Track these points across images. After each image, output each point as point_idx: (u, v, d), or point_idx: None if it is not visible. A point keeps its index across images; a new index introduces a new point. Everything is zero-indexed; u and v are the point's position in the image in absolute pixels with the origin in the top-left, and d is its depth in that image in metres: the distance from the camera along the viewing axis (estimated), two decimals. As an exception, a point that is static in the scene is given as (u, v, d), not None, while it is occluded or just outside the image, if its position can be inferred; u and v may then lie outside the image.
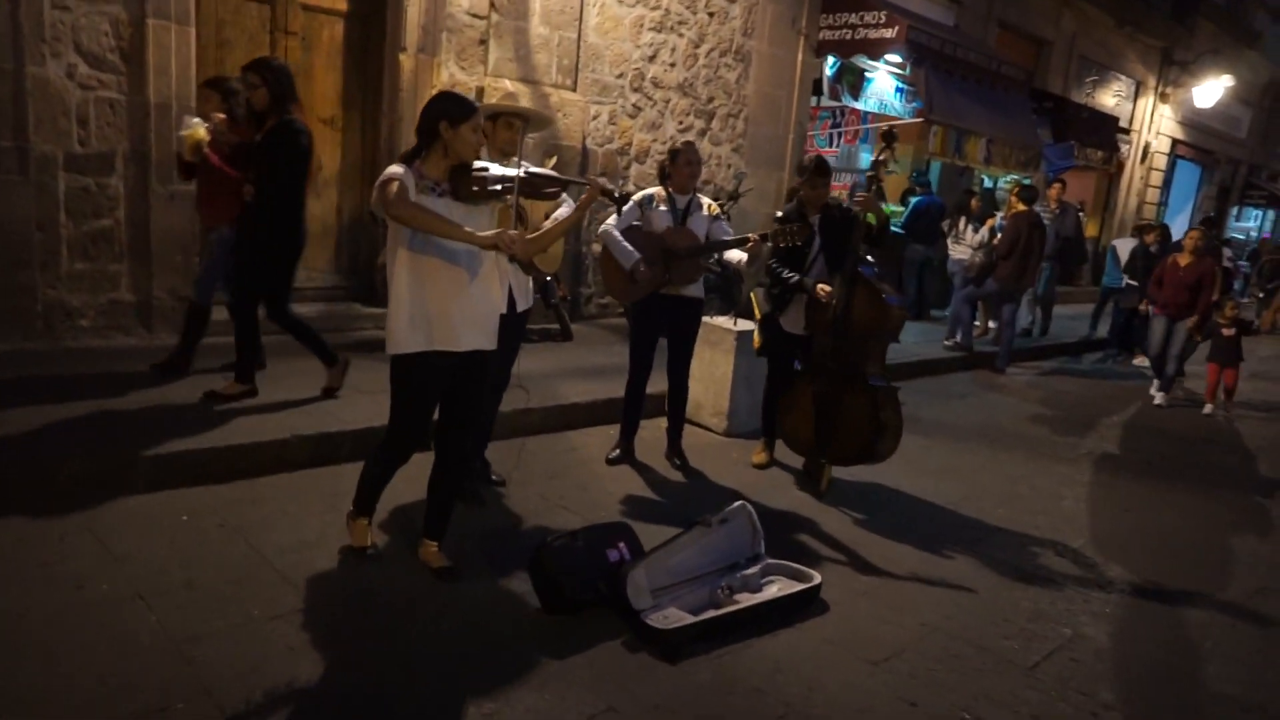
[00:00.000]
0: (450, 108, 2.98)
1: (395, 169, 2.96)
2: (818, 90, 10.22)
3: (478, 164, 3.07)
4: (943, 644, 3.20)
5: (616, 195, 3.70)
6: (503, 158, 3.99)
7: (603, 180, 3.70)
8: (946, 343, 9.10)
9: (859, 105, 10.95)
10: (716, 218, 4.64)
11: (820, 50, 9.90)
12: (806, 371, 4.66)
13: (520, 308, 4.08)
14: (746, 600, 3.25)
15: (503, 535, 3.73)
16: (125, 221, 5.45)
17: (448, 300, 3.02)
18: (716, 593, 3.27)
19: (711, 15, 8.59)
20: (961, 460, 5.58)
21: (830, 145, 13.16)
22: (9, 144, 4.99)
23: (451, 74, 6.79)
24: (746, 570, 3.44)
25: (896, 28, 9.26)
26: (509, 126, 3.95)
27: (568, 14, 7.38)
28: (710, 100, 8.83)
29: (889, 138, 4.60)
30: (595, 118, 7.88)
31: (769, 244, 4.41)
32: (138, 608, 2.86)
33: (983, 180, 13.76)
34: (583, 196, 3.41)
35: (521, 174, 3.06)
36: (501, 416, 5.00)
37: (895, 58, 9.91)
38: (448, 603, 3.12)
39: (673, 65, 8.39)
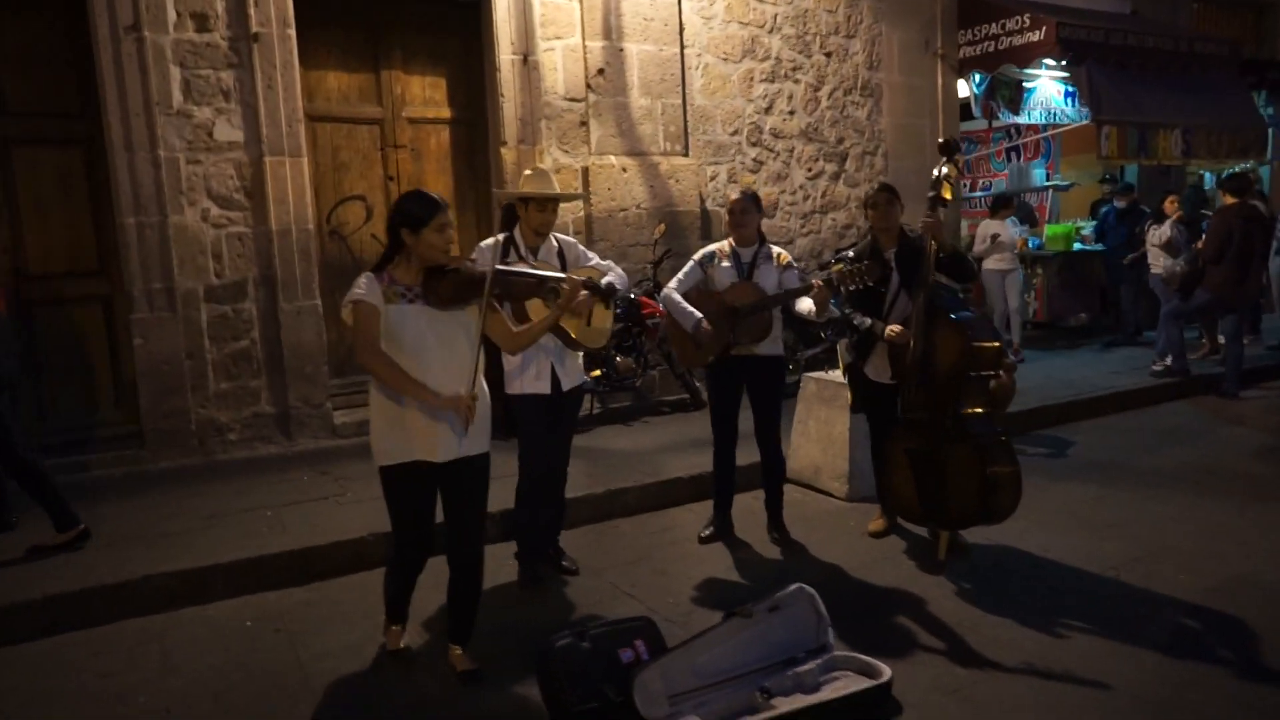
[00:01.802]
0: (410, 212, 2.89)
1: (360, 287, 2.89)
2: (966, 114, 9.45)
3: (453, 264, 2.96)
4: (1036, 759, 2.54)
5: (601, 287, 3.47)
6: (536, 238, 3.92)
7: (583, 276, 3.46)
8: (1155, 368, 7.82)
9: (1020, 120, 9.99)
10: (788, 267, 4.26)
11: (963, 69, 9.18)
12: (898, 426, 4.09)
13: (565, 386, 3.92)
14: (787, 705, 2.78)
15: (547, 632, 3.48)
16: (260, 340, 5.93)
17: (423, 411, 2.89)
18: (755, 695, 2.82)
19: (829, 55, 8.22)
20: (1143, 512, 4.63)
21: (966, 169, 12.12)
22: (159, 286, 5.61)
23: (555, 158, 6.91)
24: (803, 666, 2.96)
25: (1044, 29, 8.38)
26: (542, 208, 3.88)
27: (668, 82, 7.32)
28: (840, 141, 8.38)
29: (948, 150, 4.04)
30: (713, 179, 7.71)
31: (836, 288, 3.97)
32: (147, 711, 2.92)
33: (1202, 176, 12.04)
34: (559, 300, 3.20)
35: (490, 273, 2.91)
36: (593, 499, 4.87)
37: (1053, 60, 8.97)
38: (459, 709, 2.93)
39: (792, 113, 8.07)
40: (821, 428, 5.26)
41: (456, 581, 3.12)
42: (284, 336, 5.96)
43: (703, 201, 7.58)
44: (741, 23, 7.71)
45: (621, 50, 7.08)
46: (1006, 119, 9.95)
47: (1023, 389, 7.22)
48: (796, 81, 8.08)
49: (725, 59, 7.68)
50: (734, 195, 4.32)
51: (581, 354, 4.08)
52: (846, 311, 4.25)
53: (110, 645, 3.48)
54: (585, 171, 7.00)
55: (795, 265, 4.28)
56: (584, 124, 7.01)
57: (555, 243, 4.00)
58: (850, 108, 8.42)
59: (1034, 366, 8.21)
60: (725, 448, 4.42)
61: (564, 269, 3.94)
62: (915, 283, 3.98)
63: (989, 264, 8.38)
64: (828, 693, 2.85)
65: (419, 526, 3.08)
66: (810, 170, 8.24)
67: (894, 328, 4.00)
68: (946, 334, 3.85)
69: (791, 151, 8.11)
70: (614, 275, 4.01)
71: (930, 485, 3.91)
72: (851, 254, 4.29)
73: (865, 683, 2.89)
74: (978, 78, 9.43)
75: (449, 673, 3.14)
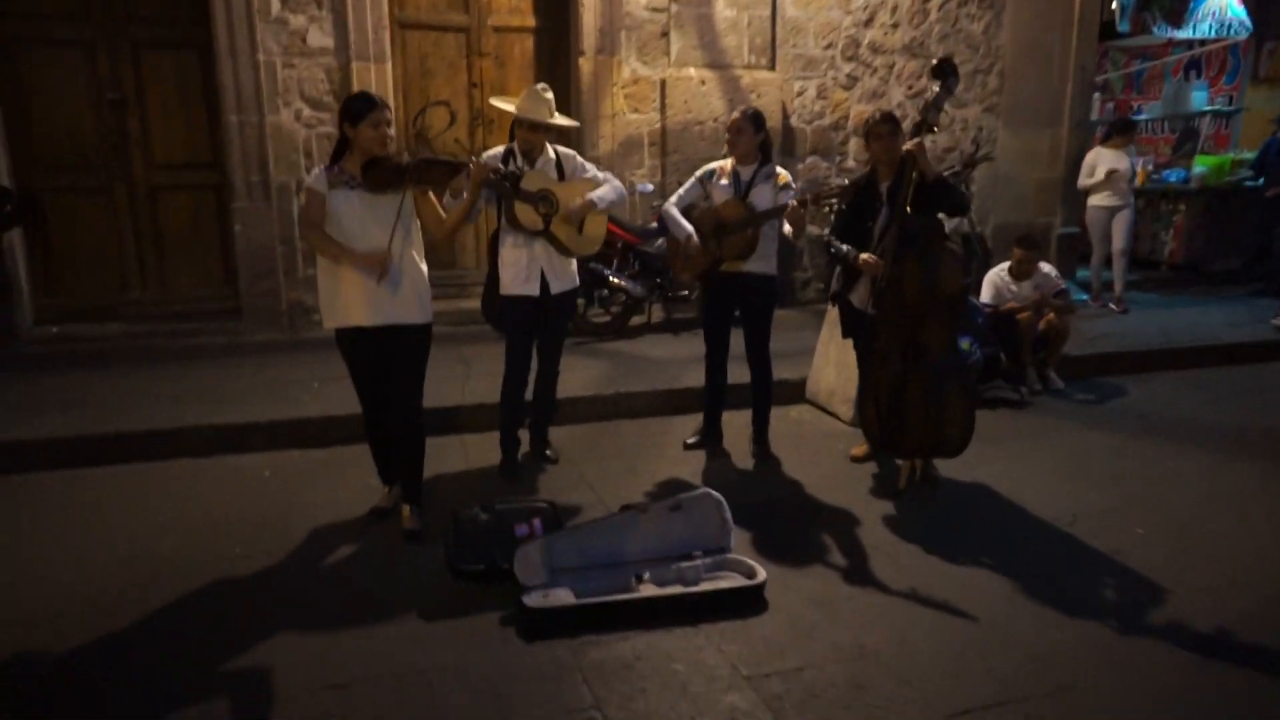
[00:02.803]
0: (349, 109, 3.27)
1: (311, 177, 3.36)
2: (1108, 34, 8.59)
3: (386, 156, 3.29)
4: (855, 670, 2.67)
5: (504, 173, 3.65)
6: (530, 163, 4.13)
7: (486, 160, 3.67)
8: (1275, 321, 7.10)
9: (1181, 34, 8.96)
10: (785, 187, 4.26)
11: (1108, -23, 8.31)
12: (872, 354, 4.08)
13: (554, 289, 4.18)
14: (652, 591, 3.03)
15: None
16: (344, 233, 6.54)
17: (354, 280, 3.29)
18: (630, 579, 3.09)
19: (944, -38, 7.69)
20: (1153, 467, 4.40)
21: (1136, 90, 10.93)
22: (257, 179, 6.31)
23: (633, 70, 7.01)
24: (691, 562, 3.19)
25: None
26: (532, 129, 4.07)
27: (758, -9, 7.16)
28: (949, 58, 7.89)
29: (941, 71, 3.84)
30: (800, 94, 7.54)
31: (811, 208, 3.97)
32: (158, 529, 3.56)
33: None
34: (476, 178, 3.44)
35: (412, 162, 3.21)
36: (601, 399, 5.17)
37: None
38: (389, 557, 3.38)
39: (895, 26, 7.68)
40: (840, 352, 5.25)
41: (396, 441, 3.57)
42: (365, 230, 6.53)
43: (786, 117, 7.45)
44: (844, -73, 7.36)
45: (708, -42, 6.98)
46: (1162, 33, 8.96)
47: (1109, 334, 6.83)
48: (903, -9, 7.65)
49: (825, -33, 7.38)
50: (734, 115, 4.32)
51: (575, 260, 4.32)
52: (829, 239, 4.21)
53: (157, 477, 4.20)
54: (662, 84, 7.06)
55: (793, 186, 4.27)
56: (665, 35, 7.04)
57: (554, 154, 4.20)
58: (964, 20, 7.89)
59: (1144, 313, 7.63)
60: (715, 360, 4.57)
61: (561, 179, 4.18)
62: (891, 211, 3.91)
63: (1094, 199, 7.68)
64: (702, 587, 3.07)
65: (365, 388, 3.53)
66: (911, 88, 7.86)
67: (866, 256, 3.97)
68: (911, 266, 3.79)
69: (891, 67, 7.76)
70: (608, 187, 4.20)
71: (889, 413, 3.92)
72: (848, 181, 4.21)
73: (740, 582, 3.09)
74: (1126, -14, 8.52)
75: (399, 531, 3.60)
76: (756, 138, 4.25)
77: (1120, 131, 7.73)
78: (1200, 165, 9.06)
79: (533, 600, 2.92)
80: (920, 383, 3.81)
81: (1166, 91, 9.78)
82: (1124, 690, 2.58)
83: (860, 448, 4.52)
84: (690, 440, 4.68)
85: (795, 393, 5.53)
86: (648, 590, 3.03)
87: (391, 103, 6.44)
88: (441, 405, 4.73)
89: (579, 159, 4.28)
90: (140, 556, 3.40)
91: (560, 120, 4.15)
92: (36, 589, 3.15)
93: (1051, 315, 5.59)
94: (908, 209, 3.88)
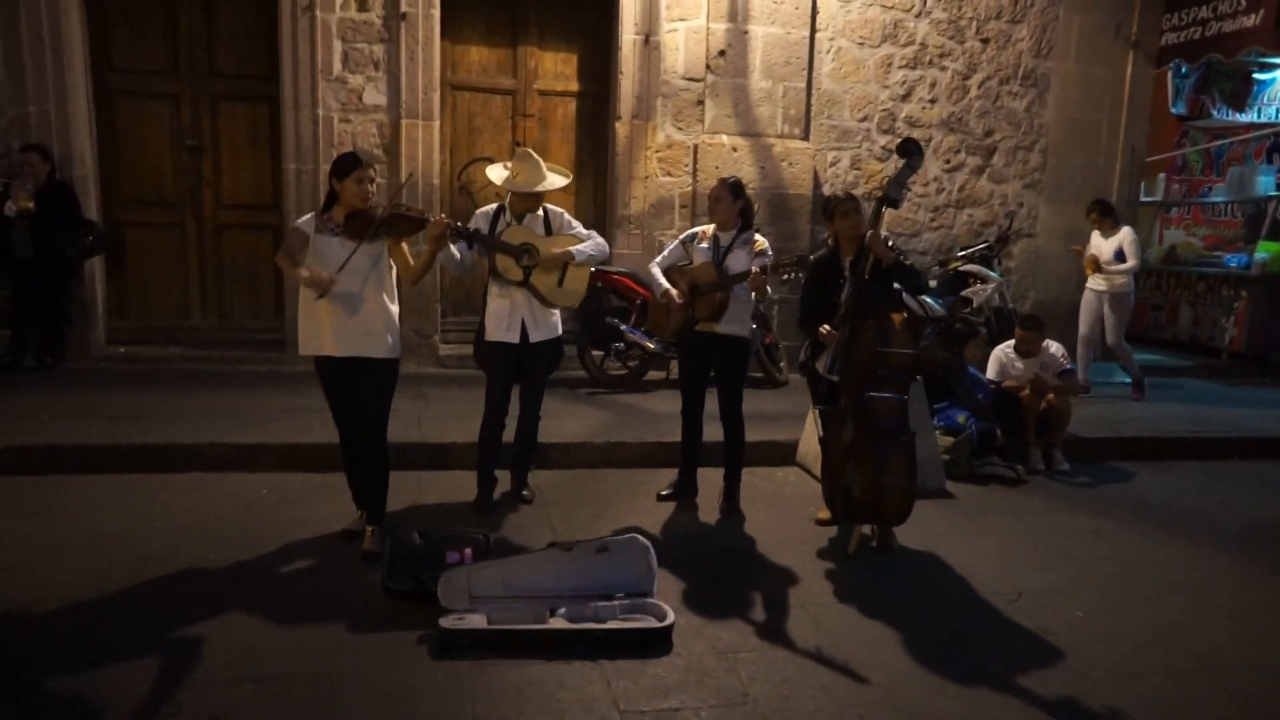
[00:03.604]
0: (336, 166, 3.68)
1: (303, 219, 3.80)
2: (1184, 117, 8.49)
3: (366, 209, 3.66)
4: (728, 716, 2.76)
5: (461, 229, 3.92)
6: (517, 220, 4.44)
7: (444, 217, 3.90)
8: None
9: (1245, 118, 8.79)
10: (761, 254, 4.45)
11: (1162, 58, 8.28)
12: (832, 419, 4.19)
13: (534, 339, 4.45)
14: (562, 624, 3.19)
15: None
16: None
17: (325, 314, 3.65)
18: (545, 612, 3.27)
19: (985, 42, 7.83)
20: (1123, 553, 4.31)
21: (1216, 171, 10.62)
22: (311, 221, 6.86)
23: (667, 135, 7.35)
24: (608, 602, 3.34)
25: (1261, 12, 7.36)
26: (522, 197, 4.40)
27: (793, 65, 7.44)
28: (989, 134, 7.99)
29: (905, 150, 3.98)
30: (834, 164, 7.74)
31: (773, 275, 4.17)
32: (152, 532, 3.93)
33: None
34: (432, 233, 3.74)
35: (383, 215, 3.58)
36: (591, 447, 5.39)
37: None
38: (341, 573, 3.66)
39: (933, 101, 7.83)
40: (829, 417, 5.35)
41: (360, 467, 3.87)
42: (403, 274, 7.00)
43: (817, 186, 7.64)
44: (884, 6, 7.60)
45: (746, 32, 7.31)
46: (1223, 117, 8.81)
47: (1134, 418, 6.66)
48: (943, 69, 7.81)
49: (861, 43, 7.62)
50: (714, 184, 4.55)
51: (557, 311, 4.59)
52: (802, 316, 4.38)
53: (170, 487, 4.61)
54: (695, 149, 7.37)
55: (769, 253, 4.46)
56: (700, 103, 7.37)
57: (542, 211, 4.51)
58: (1006, 98, 7.97)
59: (1185, 400, 7.40)
60: (690, 416, 4.74)
61: (549, 234, 4.49)
62: (852, 283, 4.05)
63: (1090, 282, 7.27)
64: (608, 625, 3.22)
65: (340, 414, 3.88)
66: (949, 162, 7.95)
67: (825, 328, 4.12)
68: (863, 331, 3.91)
69: (928, 141, 7.87)
70: (590, 244, 4.48)
71: (838, 476, 4.01)
72: (813, 256, 4.38)
73: (648, 624, 3.23)
74: (1184, 69, 8.46)
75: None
76: (735, 205, 4.46)
77: (1098, 212, 7.20)
78: (1263, 251, 8.78)
79: (447, 622, 3.14)
80: (867, 448, 3.90)
81: (1232, 175, 9.54)
82: (987, 762, 2.60)
83: (824, 512, 4.58)
84: (664, 492, 4.84)
85: (787, 454, 5.63)
86: (557, 623, 3.20)
87: (438, 158, 7.00)
88: (441, 441, 5.05)
89: (566, 216, 4.58)
90: (128, 554, 3.77)
91: (550, 184, 4.42)
92: (28, 574, 3.55)
93: (1052, 396, 5.54)
94: (865, 280, 4.02)
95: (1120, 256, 7.02)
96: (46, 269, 6.26)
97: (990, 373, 5.85)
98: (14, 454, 4.77)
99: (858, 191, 7.79)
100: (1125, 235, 7.04)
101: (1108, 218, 7.13)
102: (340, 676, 2.91)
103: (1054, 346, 5.79)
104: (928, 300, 6.73)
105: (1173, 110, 8.66)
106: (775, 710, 2.82)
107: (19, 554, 3.74)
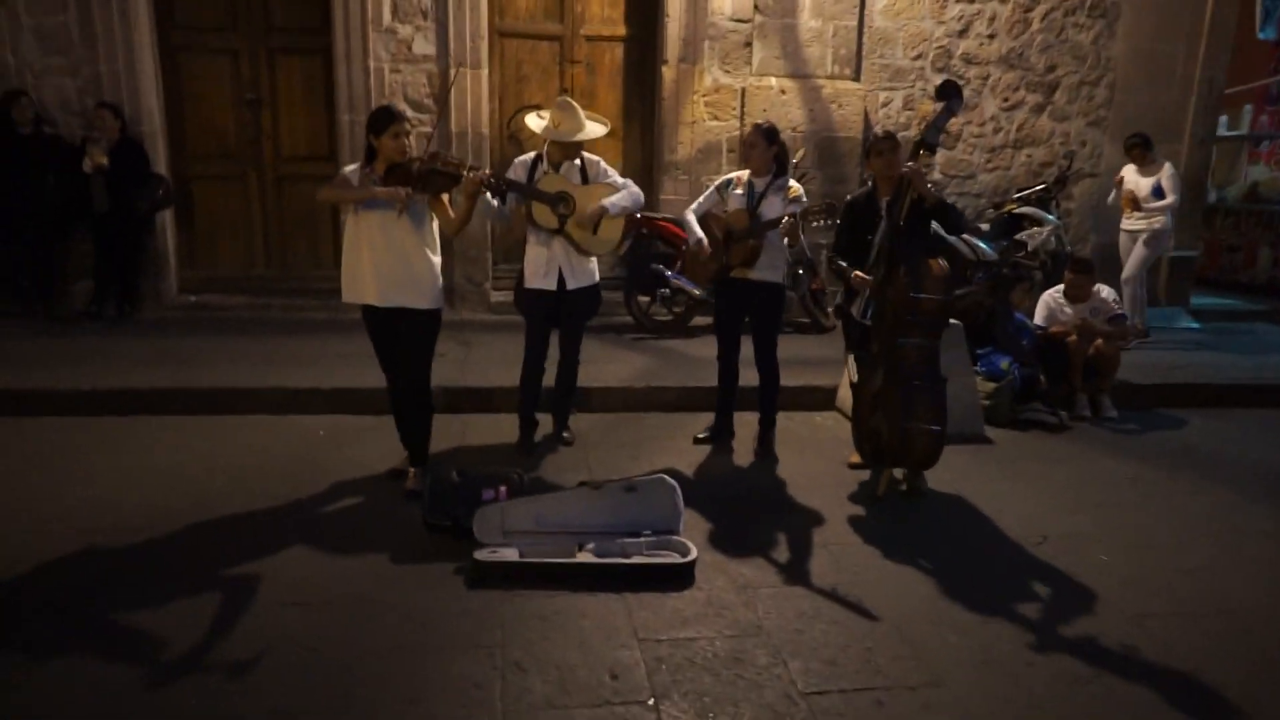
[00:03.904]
0: (372, 122, 3.79)
1: (348, 169, 3.88)
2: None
3: (405, 161, 3.77)
4: (741, 646, 2.89)
5: (494, 183, 3.97)
6: (554, 168, 4.52)
7: (480, 173, 3.91)
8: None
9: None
10: (794, 200, 4.46)
11: (1245, -17, 7.79)
12: (864, 364, 4.22)
13: (570, 286, 4.56)
14: (589, 558, 3.36)
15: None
16: (437, 224, 7.21)
17: (368, 265, 3.81)
18: (573, 546, 3.43)
19: (1050, -31, 7.49)
20: (1159, 500, 4.27)
21: None
22: (365, 171, 7.06)
23: (715, 78, 7.29)
24: (634, 539, 3.49)
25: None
26: (560, 146, 4.46)
27: (845, 2, 7.27)
28: (1051, 69, 7.70)
29: (945, 92, 3.90)
30: (885, 104, 7.58)
31: (805, 222, 4.17)
32: (214, 470, 4.23)
33: None
34: (466, 190, 3.82)
35: (419, 170, 3.69)
36: (633, 391, 5.52)
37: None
38: (386, 510, 3.89)
39: (992, 36, 7.57)
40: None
41: (405, 411, 4.07)
42: (455, 223, 7.17)
43: (869, 128, 7.49)
44: (942, -63, 7.32)
45: (795, -30, 7.15)
46: (1311, 44, 8.29)
47: (1191, 364, 6.48)
48: (1003, 1, 7.51)
49: (917, -23, 7.37)
50: (750, 130, 4.54)
51: (594, 259, 4.68)
52: (831, 255, 4.37)
53: (231, 427, 4.92)
54: (743, 92, 7.30)
55: (802, 200, 4.45)
56: (748, 44, 7.27)
57: (579, 161, 4.58)
58: (1070, 30, 7.65)
59: (1249, 343, 7.16)
60: (726, 360, 4.82)
61: (585, 183, 4.56)
62: (890, 225, 4.03)
63: (1125, 223, 7.02)
64: (633, 559, 3.38)
65: (385, 359, 4.06)
66: (1007, 100, 7.71)
67: (858, 273, 4.12)
68: (895, 276, 3.91)
69: (985, 79, 7.64)
70: (625, 194, 4.54)
71: (868, 420, 4.06)
72: (850, 197, 4.35)
73: (671, 559, 3.37)
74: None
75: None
76: (769, 150, 4.46)
77: (1141, 146, 6.90)
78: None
79: (482, 554, 3.33)
80: (895, 392, 3.93)
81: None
82: (984, 694, 2.69)
83: (855, 455, 4.64)
84: (700, 435, 4.95)
85: (827, 399, 5.67)
86: (584, 558, 3.37)
87: (486, 106, 7.09)
88: (486, 385, 5.26)
89: (603, 164, 4.63)
90: (193, 489, 4.07)
91: (590, 133, 4.47)
92: (106, 505, 3.87)
93: (1100, 341, 5.44)
94: (901, 225, 4.00)
95: (1159, 193, 6.76)
96: (122, 223, 6.61)
97: (1038, 318, 5.76)
98: (98, 396, 5.13)
99: (911, 132, 7.63)
100: (1165, 170, 6.77)
101: (1148, 152, 6.85)
102: (380, 603, 3.13)
103: (1105, 290, 5.65)
104: (979, 244, 6.64)
105: (1260, 35, 8.17)
106: (787, 642, 2.94)
107: (98, 487, 4.06)
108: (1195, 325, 7.82)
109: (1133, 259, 6.98)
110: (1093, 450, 4.99)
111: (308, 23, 7.07)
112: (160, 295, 7.08)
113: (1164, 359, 6.57)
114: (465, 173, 3.84)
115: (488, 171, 4.14)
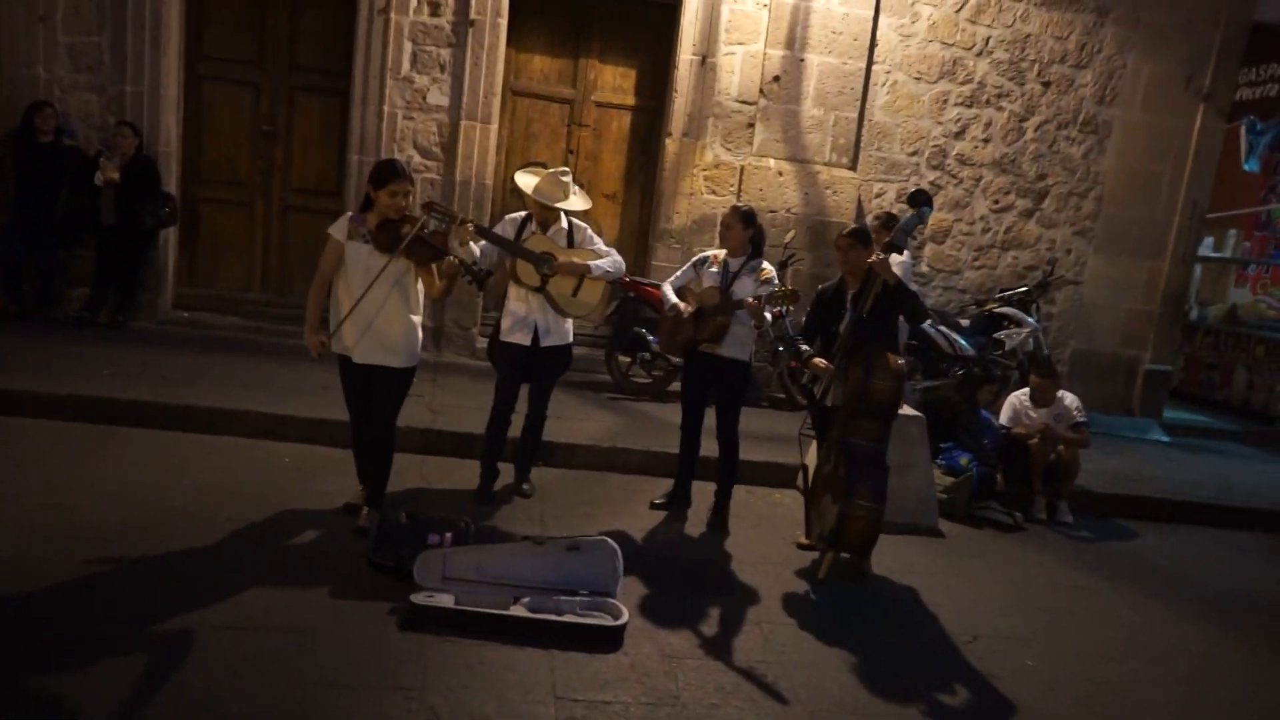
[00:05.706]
0: (375, 174, 3.93)
1: (338, 223, 4.03)
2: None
3: (398, 221, 3.91)
4: (653, 714, 2.96)
5: (476, 269, 4.03)
6: (542, 229, 4.70)
7: (463, 252, 4.00)
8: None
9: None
10: (765, 282, 4.63)
11: (1234, 114, 8.10)
12: (822, 448, 4.34)
13: (544, 343, 4.70)
14: (522, 612, 3.43)
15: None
16: (432, 267, 7.40)
17: (352, 321, 3.94)
18: (508, 599, 3.51)
19: (1047, 85, 7.80)
20: (1094, 610, 4.34)
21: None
22: (369, 210, 7.27)
23: (716, 154, 7.54)
24: (570, 597, 3.57)
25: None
26: (545, 209, 4.65)
27: (847, 95, 7.54)
28: (1041, 178, 7.95)
29: (915, 200, 4.10)
30: (879, 195, 7.81)
31: (775, 306, 4.34)
32: (176, 489, 4.32)
33: None
34: (445, 271, 3.96)
35: (408, 238, 3.83)
36: (599, 450, 5.63)
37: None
38: (334, 543, 3.97)
39: (987, 140, 7.84)
40: (832, 444, 5.48)
41: (369, 452, 4.17)
42: (450, 267, 7.36)
43: (860, 216, 7.72)
44: (945, 43, 7.64)
45: (802, 60, 7.45)
46: (1296, 178, 8.57)
47: (1154, 477, 6.58)
48: (1000, 109, 7.81)
49: (918, 78, 7.67)
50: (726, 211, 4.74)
51: (570, 320, 4.84)
52: (796, 338, 4.53)
53: (203, 447, 5.02)
54: (741, 170, 7.54)
55: (773, 283, 4.61)
56: (750, 125, 7.53)
57: (566, 224, 4.77)
58: (1063, 143, 7.92)
59: (1221, 465, 7.25)
60: (688, 430, 4.94)
61: (570, 247, 4.74)
62: (851, 318, 4.19)
63: None
64: (565, 618, 3.45)
65: (353, 403, 4.18)
66: (997, 203, 7.94)
67: (817, 360, 4.27)
68: (855, 368, 4.05)
69: (978, 180, 7.89)
70: (608, 261, 4.71)
71: (820, 499, 4.16)
72: (820, 288, 4.52)
73: (603, 620, 3.44)
74: (1258, 125, 8.26)
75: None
76: (746, 233, 4.64)
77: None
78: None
79: (418, 598, 3.41)
80: (842, 474, 4.04)
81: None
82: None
83: (804, 536, 4.73)
84: (658, 500, 5.04)
85: (788, 476, 5.75)
86: (518, 611, 3.44)
87: (493, 160, 7.32)
88: (456, 430, 5.38)
89: (589, 231, 4.82)
90: (156, 505, 4.15)
91: (569, 204, 4.64)
92: (70, 514, 3.95)
93: (1062, 447, 5.55)
94: (865, 317, 4.16)
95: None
96: (128, 236, 6.80)
97: (1003, 418, 5.88)
98: (76, 402, 5.24)
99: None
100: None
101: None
102: (314, 633, 3.20)
103: (1069, 398, 5.78)
104: (957, 338, 6.80)
105: (1245, 167, 8.45)
106: (701, 715, 3.01)
107: (65, 495, 4.15)
108: (1165, 439, 7.93)
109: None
110: (1041, 554, 5.07)
111: (330, 65, 7.35)
112: (155, 309, 7.24)
113: (1127, 469, 6.68)
114: (451, 242, 3.97)
115: (470, 260, 4.08)
